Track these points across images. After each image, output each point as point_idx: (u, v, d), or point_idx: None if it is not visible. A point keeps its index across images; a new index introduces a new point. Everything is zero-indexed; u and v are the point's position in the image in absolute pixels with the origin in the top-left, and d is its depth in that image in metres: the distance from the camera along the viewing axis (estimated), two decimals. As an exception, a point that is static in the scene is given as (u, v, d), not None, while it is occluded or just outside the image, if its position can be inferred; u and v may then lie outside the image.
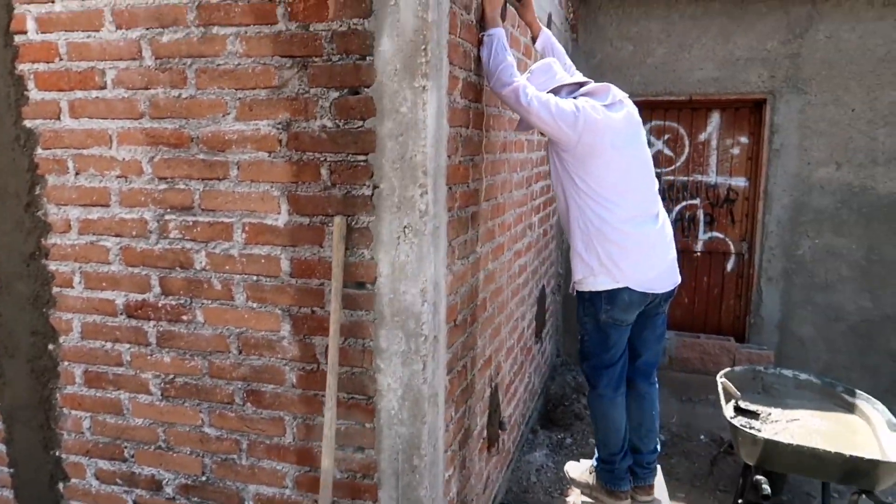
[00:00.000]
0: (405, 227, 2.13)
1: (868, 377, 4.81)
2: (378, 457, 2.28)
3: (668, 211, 5.21)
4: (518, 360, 3.88)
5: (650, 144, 5.12)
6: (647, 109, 5.13)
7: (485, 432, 3.11)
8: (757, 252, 4.99)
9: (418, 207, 2.11)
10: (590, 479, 2.95)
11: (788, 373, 3.82)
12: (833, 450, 2.93)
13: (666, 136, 5.16)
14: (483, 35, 2.48)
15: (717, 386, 3.67)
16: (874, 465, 2.83)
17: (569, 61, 2.98)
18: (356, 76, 2.10)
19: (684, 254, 5.22)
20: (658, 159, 5.19)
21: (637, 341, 2.79)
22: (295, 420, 2.36)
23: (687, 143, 5.12)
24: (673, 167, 5.17)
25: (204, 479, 2.50)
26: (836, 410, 3.58)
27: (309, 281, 2.26)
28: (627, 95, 2.71)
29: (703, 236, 5.17)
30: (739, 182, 5.05)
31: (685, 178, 5.15)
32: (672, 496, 3.68)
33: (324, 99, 2.14)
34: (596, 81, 2.77)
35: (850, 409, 3.55)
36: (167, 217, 2.37)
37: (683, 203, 5.18)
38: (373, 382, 2.25)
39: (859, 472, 2.88)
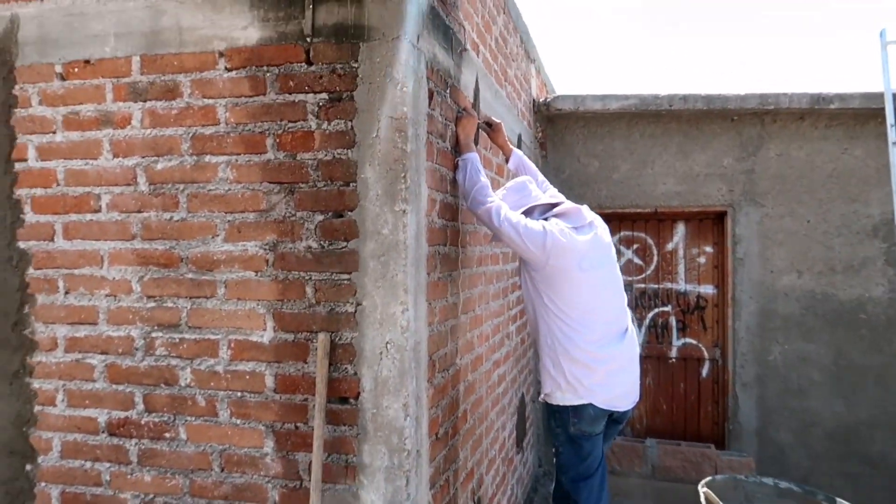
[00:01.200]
0: (387, 342, 2.21)
1: (849, 485, 4.81)
2: (360, 579, 2.24)
3: (642, 318, 5.35)
4: (500, 472, 3.85)
5: (620, 254, 5.33)
6: (616, 221, 5.38)
7: (467, 549, 3.05)
8: (730, 358, 5.10)
9: (400, 324, 2.20)
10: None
11: (769, 481, 3.83)
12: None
13: (635, 246, 5.38)
14: (458, 160, 2.67)
15: (699, 496, 3.66)
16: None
17: (541, 177, 3.18)
18: (340, 201, 2.24)
19: (660, 360, 5.32)
20: (629, 268, 5.39)
21: None
22: (275, 541, 2.32)
23: (655, 252, 5.34)
24: (643, 275, 5.36)
25: None
26: (818, 519, 3.58)
27: (293, 396, 2.30)
28: (597, 215, 2.89)
29: (676, 342, 5.29)
30: (708, 289, 5.24)
31: (656, 286, 5.33)
32: None
33: (309, 222, 2.27)
34: (565, 194, 2.96)
35: (832, 517, 3.55)
36: (154, 334, 2.43)
37: (656, 310, 5.33)
38: (356, 500, 2.24)
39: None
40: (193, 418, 2.39)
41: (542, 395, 2.82)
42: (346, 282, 2.24)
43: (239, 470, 2.35)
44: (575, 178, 5.30)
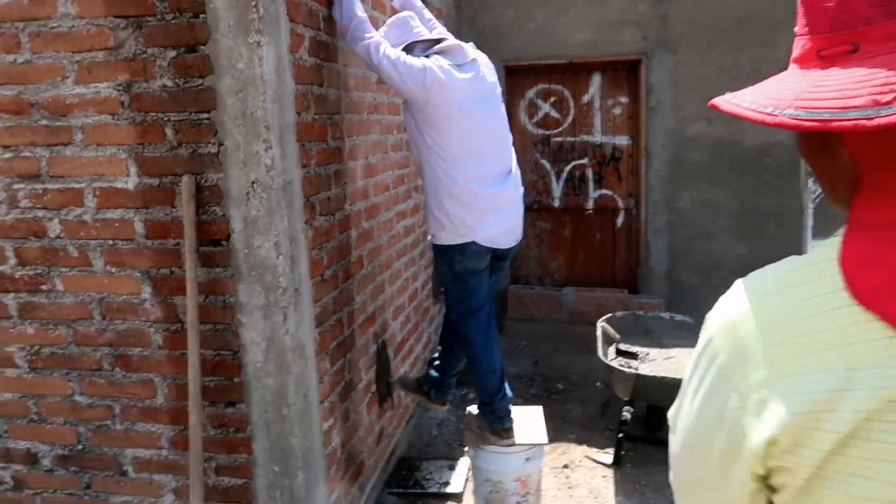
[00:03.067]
0: (253, 182, 2.17)
1: (748, 317, 5.14)
2: (248, 409, 2.33)
3: (559, 172, 5.41)
4: (412, 320, 3.99)
5: (537, 108, 5.29)
6: (533, 73, 5.29)
7: (373, 387, 3.20)
8: (643, 207, 5.25)
9: (264, 162, 2.15)
10: (479, 422, 3.08)
11: (666, 315, 4.07)
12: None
13: (552, 99, 5.33)
14: (329, -9, 2.52)
15: (616, 326, 3.87)
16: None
17: (428, 15, 3.04)
18: (191, 34, 2.12)
19: (577, 212, 5.44)
20: (547, 122, 5.37)
21: None
22: (165, 381, 2.38)
23: (572, 104, 5.31)
24: (561, 128, 5.36)
25: (80, 447, 2.49)
26: (707, 344, 3.84)
27: (164, 242, 2.28)
28: (482, 53, 2.81)
29: (593, 194, 5.39)
30: (623, 140, 5.29)
31: (573, 139, 5.35)
32: (564, 436, 3.88)
33: (161, 58, 2.15)
34: (479, 47, 2.86)
35: (719, 341, 3.82)
36: (15, 186, 2.33)
37: (573, 163, 5.38)
38: (236, 338, 2.29)
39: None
40: (68, 269, 2.36)
41: (428, 236, 2.86)
42: (205, 121, 2.17)
43: (120, 317, 2.36)
44: (489, 30, 5.12)
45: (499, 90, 2.85)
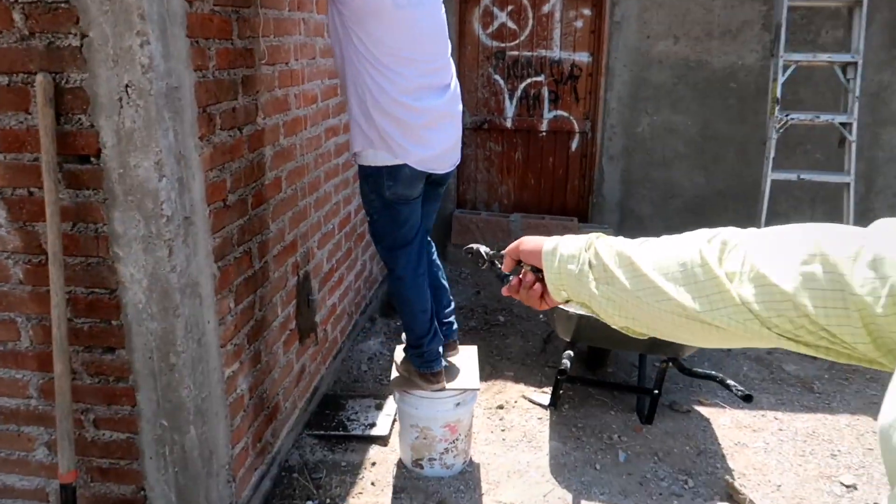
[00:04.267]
0: (126, 85, 1.75)
1: (699, 250, 4.99)
2: (130, 357, 2.00)
3: (513, 89, 5.01)
4: (343, 247, 3.66)
5: (493, 17, 4.82)
6: (490, -23, 4.79)
7: (293, 323, 2.90)
8: (599, 131, 4.93)
9: (139, 61, 1.73)
10: (406, 364, 2.83)
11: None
12: (639, 319, 2.96)
13: (509, 8, 4.86)
14: None
15: None
16: (676, 331, 2.87)
17: None
18: None
19: (530, 134, 5.09)
20: (502, 33, 4.92)
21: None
22: (29, 322, 2.02)
23: (531, 15, 4.85)
24: (517, 41, 4.92)
25: (-67, 395, 2.14)
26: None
27: (20, 156, 1.86)
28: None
29: (547, 115, 5.03)
30: (583, 57, 4.89)
31: (529, 54, 4.92)
32: (500, 373, 3.69)
33: (2, -82, 1.67)
34: None
35: (668, 279, 3.62)
36: None
37: (528, 80, 4.98)
38: (113, 273, 1.93)
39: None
40: None
41: (352, 155, 2.48)
42: (63, 5, 1.72)
43: (-29, 245, 1.96)
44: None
45: None
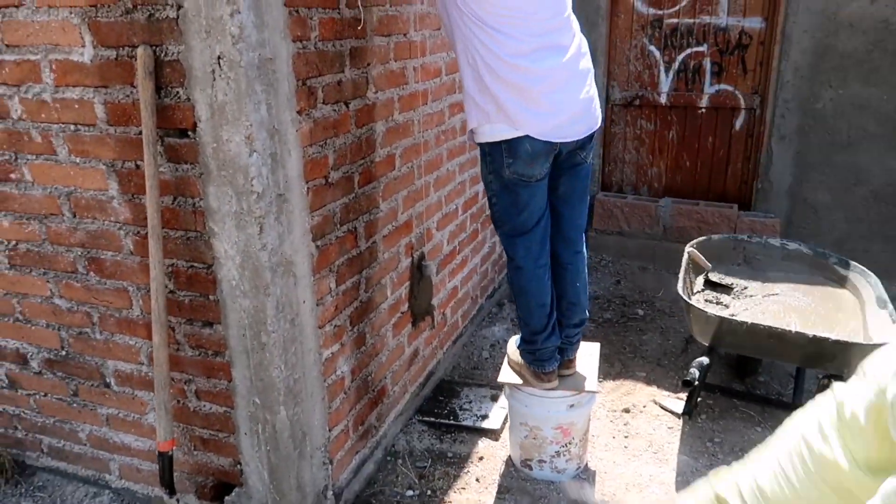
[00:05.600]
0: (219, 57, 1.71)
1: (891, 249, 4.25)
2: (226, 332, 2.00)
3: (670, 61, 4.53)
4: (468, 228, 3.51)
5: (650, -20, 4.38)
6: (649, -64, 4.34)
7: (404, 306, 2.80)
8: (769, 107, 4.32)
9: (230, 31, 1.67)
10: (518, 358, 2.63)
11: (776, 242, 3.33)
12: (794, 329, 2.51)
13: (670, -30, 4.38)
14: None
15: (710, 252, 3.22)
16: (842, 347, 2.40)
17: None
18: None
19: (687, 111, 4.59)
20: (660, -1, 4.45)
21: (555, 199, 2.34)
22: (139, 291, 2.09)
23: (694, -24, 4.34)
24: (676, 7, 4.42)
25: (64, 353, 2.29)
26: (825, 284, 3.11)
27: (127, 129, 1.90)
28: None
29: (708, 90, 4.50)
30: (755, 23, 4.29)
31: (691, 21, 4.41)
32: (631, 373, 3.37)
33: None
34: None
35: (842, 282, 3.08)
36: (-26, 57, 2.00)
37: (687, 51, 4.47)
38: (209, 249, 1.92)
39: (825, 354, 2.46)
40: (34, 157, 2.05)
41: (468, 132, 2.29)
42: (161, -25, 1.69)
43: (90, 215, 2.05)
44: None
45: None
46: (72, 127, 1.95)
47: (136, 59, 1.79)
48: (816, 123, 4.23)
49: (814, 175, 4.34)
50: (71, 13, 1.82)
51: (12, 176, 2.10)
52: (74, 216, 2.07)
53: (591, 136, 2.28)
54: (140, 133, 1.87)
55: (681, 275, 2.95)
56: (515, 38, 2.03)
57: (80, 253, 2.11)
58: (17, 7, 1.88)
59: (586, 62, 2.23)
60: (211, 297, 1.98)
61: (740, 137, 4.54)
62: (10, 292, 2.28)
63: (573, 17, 2.21)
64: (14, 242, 2.20)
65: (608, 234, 4.78)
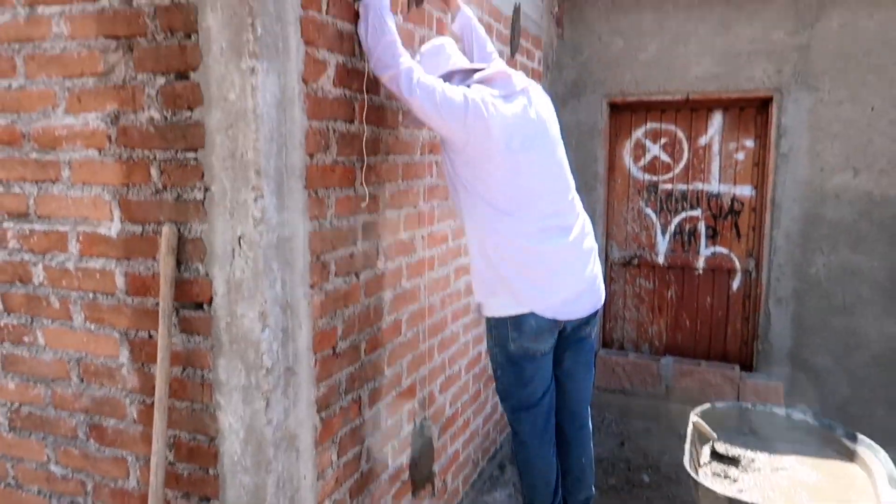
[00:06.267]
0: (240, 237, 1.79)
1: (894, 414, 4.20)
2: (223, 509, 1.93)
3: (666, 224, 4.72)
4: (470, 389, 3.48)
5: (645, 150, 4.67)
6: (642, 110, 4.67)
7: (405, 474, 2.72)
8: (765, 270, 4.44)
9: (252, 214, 1.76)
10: (523, 532, 2.53)
11: (781, 411, 3.29)
12: (809, 511, 2.42)
13: (662, 140, 4.67)
14: (356, 4, 2.11)
15: (714, 421, 3.17)
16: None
17: (490, 48, 2.59)
18: (182, 58, 1.78)
19: (684, 271, 4.71)
20: (655, 166, 4.71)
21: (559, 373, 2.36)
22: (138, 461, 2.04)
23: (686, 147, 4.62)
24: (671, 174, 4.68)
25: (51, 523, 2.20)
26: (834, 458, 3.04)
27: (144, 300, 1.94)
28: (535, 83, 2.30)
29: (704, 252, 4.65)
30: (745, 191, 4.52)
31: (684, 187, 4.65)
32: (641, 549, 3.20)
33: (150, 86, 1.83)
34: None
35: (850, 456, 3.01)
36: (5, 225, 2.09)
37: (683, 214, 4.67)
38: (213, 421, 1.91)
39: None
40: (49, 321, 2.08)
41: (474, 305, 2.34)
42: (192, 161, 1.82)
43: (97, 381, 2.05)
44: (595, 60, 4.57)
45: (556, 126, 2.32)
46: (91, 295, 2.00)
47: (160, 236, 1.87)
48: (811, 288, 4.33)
49: (813, 338, 4.37)
50: (104, 190, 1.93)
51: (25, 339, 2.12)
52: (82, 381, 2.06)
53: (595, 313, 2.34)
54: (156, 304, 1.91)
55: (686, 447, 2.89)
56: (522, 219, 2.14)
57: (82, 419, 2.08)
58: (53, 182, 2.00)
59: (590, 241, 2.33)
60: (211, 472, 1.94)
61: (738, 298, 4.63)
62: (7, 455, 2.23)
63: (577, 198, 2.34)
64: (17, 404, 2.18)
65: (611, 392, 4.73)
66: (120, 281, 1.96)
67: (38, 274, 2.07)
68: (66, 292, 2.04)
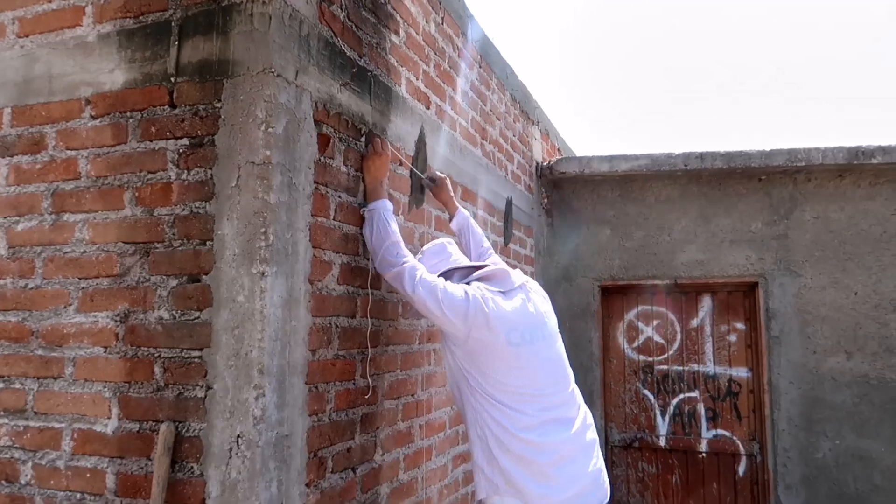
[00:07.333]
0: (238, 436, 1.78)
1: None
2: None
3: (665, 405, 4.67)
4: (470, 591, 3.24)
5: (639, 332, 4.74)
6: (633, 293, 4.82)
7: None
8: (770, 454, 4.34)
9: (252, 413, 1.77)
10: None
11: None
12: None
13: (655, 322, 4.77)
14: (363, 210, 2.28)
15: None
16: None
17: (486, 244, 2.75)
18: (196, 262, 1.89)
19: (687, 455, 4.59)
20: (649, 347, 4.77)
21: None
22: None
23: (678, 329, 4.71)
24: (666, 355, 4.72)
25: None
26: None
27: (134, 502, 1.88)
28: (531, 279, 2.42)
29: (706, 434, 4.56)
30: (741, 372, 4.54)
31: (680, 368, 4.67)
32: None
33: (163, 287, 1.92)
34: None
35: None
36: (0, 421, 2.08)
37: (681, 396, 4.65)
38: None
39: None
40: (30, 525, 2.00)
41: (476, 502, 2.28)
42: (196, 360, 1.85)
43: None
44: (584, 247, 4.80)
45: (554, 320, 2.40)
46: (78, 495, 1.94)
47: (157, 434, 1.86)
48: (820, 474, 4.20)
49: (829, 529, 4.16)
50: (105, 387, 1.95)
51: (1, 544, 2.03)
52: (55, 593, 1.94)
53: None
54: (146, 507, 1.85)
55: None
56: (525, 413, 2.14)
57: None
58: (55, 379, 2.02)
59: (592, 433, 2.31)
60: None
61: (746, 484, 4.46)
62: None
63: (577, 390, 2.37)
64: None
65: (620, 590, 4.40)
66: (110, 480, 1.91)
67: (27, 473, 2.02)
68: (52, 493, 1.98)
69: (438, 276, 2.25)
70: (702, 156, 4.47)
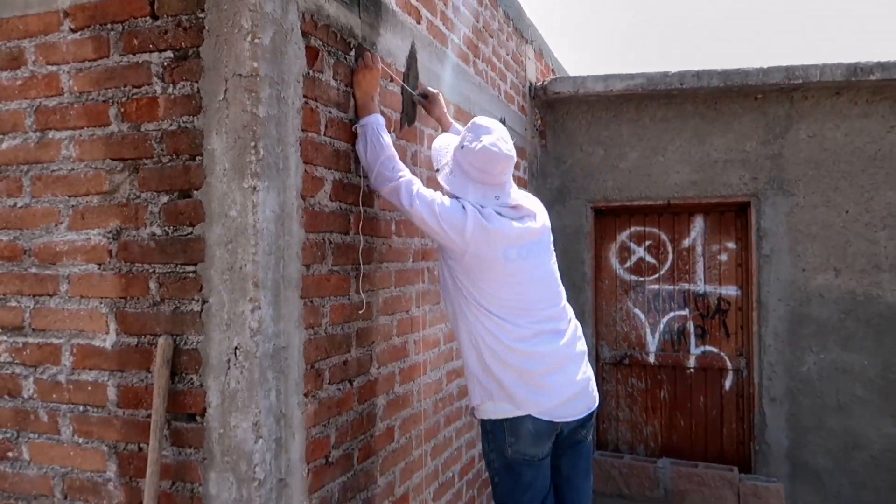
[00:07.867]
0: (235, 348, 1.81)
1: (902, 518, 4.11)
2: None
3: (655, 323, 4.77)
4: (465, 496, 3.39)
5: (630, 252, 4.78)
6: (626, 215, 4.83)
7: (398, 591, 2.61)
8: (756, 369, 4.46)
9: (249, 325, 1.80)
10: None
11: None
12: None
13: (647, 243, 4.81)
14: (355, 127, 2.25)
15: None
16: None
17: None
18: (186, 178, 1.87)
19: (676, 370, 4.72)
20: (641, 267, 4.82)
21: (558, 480, 2.33)
22: (120, 585, 1.96)
23: (670, 249, 4.75)
24: (657, 275, 4.78)
25: None
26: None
27: (136, 412, 1.94)
28: (530, 195, 2.43)
29: (694, 351, 4.68)
30: (731, 291, 4.61)
31: (671, 287, 4.74)
32: None
33: (154, 204, 1.91)
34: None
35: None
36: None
37: (671, 314, 4.74)
38: (202, 539, 1.85)
39: None
40: (36, 436, 2.06)
41: (470, 409, 2.35)
42: (191, 275, 1.87)
43: (81, 497, 2.00)
44: (577, 169, 4.77)
45: (549, 237, 2.42)
46: (80, 408, 1.99)
47: (156, 347, 1.89)
48: (805, 387, 4.34)
49: (811, 438, 4.33)
50: (101, 303, 1.97)
51: (9, 454, 2.09)
52: (66, 498, 2.02)
53: (590, 415, 2.34)
54: (147, 416, 1.90)
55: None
56: (518, 325, 2.19)
57: (63, 538, 2.02)
58: (50, 296, 2.03)
59: (581, 345, 2.37)
60: None
61: (731, 398, 4.61)
62: (-21, 580, 2.14)
63: (568, 306, 2.41)
64: (-4, 524, 2.11)
65: (608, 496, 4.61)
66: (112, 393, 1.96)
67: (29, 387, 2.06)
68: (55, 405, 2.03)
69: (450, 169, 2.25)
70: (698, 74, 4.39)
